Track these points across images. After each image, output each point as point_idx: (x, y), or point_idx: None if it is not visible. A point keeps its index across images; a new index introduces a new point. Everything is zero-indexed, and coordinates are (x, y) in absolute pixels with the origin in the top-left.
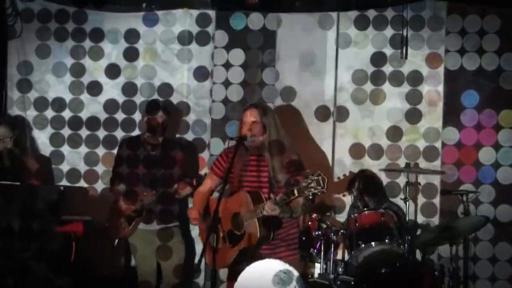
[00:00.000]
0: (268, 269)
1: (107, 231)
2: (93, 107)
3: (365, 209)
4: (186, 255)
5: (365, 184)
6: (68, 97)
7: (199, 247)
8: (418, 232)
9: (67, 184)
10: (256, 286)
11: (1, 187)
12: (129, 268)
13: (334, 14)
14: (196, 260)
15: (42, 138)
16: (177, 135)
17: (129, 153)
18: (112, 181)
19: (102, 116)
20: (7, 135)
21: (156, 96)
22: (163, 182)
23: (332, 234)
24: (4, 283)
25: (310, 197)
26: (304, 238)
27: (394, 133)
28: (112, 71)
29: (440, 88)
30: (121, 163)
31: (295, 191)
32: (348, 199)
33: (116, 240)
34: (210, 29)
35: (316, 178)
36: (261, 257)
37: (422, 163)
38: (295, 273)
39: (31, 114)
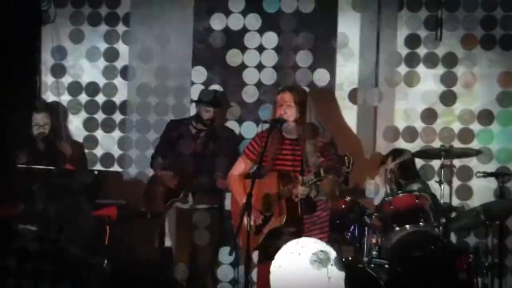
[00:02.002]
0: (306, 248)
1: (144, 206)
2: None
3: (400, 191)
4: (219, 237)
5: (399, 166)
6: (101, 81)
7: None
8: (453, 215)
9: (102, 168)
10: (294, 264)
11: (36, 172)
12: (164, 250)
13: None
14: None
15: (76, 123)
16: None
17: (174, 135)
18: (153, 159)
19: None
20: (46, 121)
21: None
22: (204, 166)
23: (366, 217)
24: (41, 265)
25: (340, 177)
26: (338, 221)
27: (429, 115)
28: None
29: (476, 70)
30: (165, 143)
31: (322, 172)
32: (382, 182)
33: (149, 214)
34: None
35: (342, 159)
36: (292, 239)
37: (457, 146)
38: (333, 253)
39: (65, 99)
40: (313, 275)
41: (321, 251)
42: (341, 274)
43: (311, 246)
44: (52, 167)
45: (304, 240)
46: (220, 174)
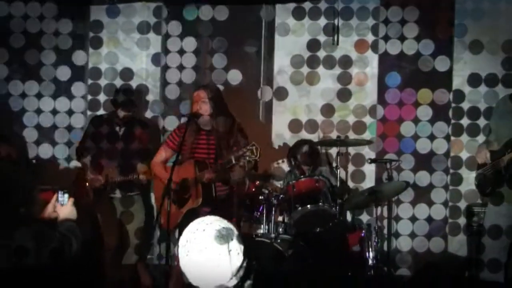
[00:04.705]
0: (211, 225)
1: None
2: None
3: (302, 176)
4: (146, 219)
5: (303, 153)
6: None
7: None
8: (348, 196)
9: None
10: (198, 239)
11: None
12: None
13: (274, 6)
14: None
15: None
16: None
17: (98, 130)
18: (78, 154)
19: None
20: None
21: (118, 79)
22: (127, 155)
23: (273, 198)
24: None
25: (249, 164)
26: (248, 203)
27: (327, 110)
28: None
29: (368, 70)
30: (88, 138)
31: (233, 159)
32: (286, 167)
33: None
34: (165, 20)
35: (250, 148)
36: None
37: (352, 136)
38: (235, 231)
39: None
40: (216, 249)
41: (224, 227)
42: (240, 247)
43: (215, 223)
44: None
45: (208, 218)
46: (141, 164)
